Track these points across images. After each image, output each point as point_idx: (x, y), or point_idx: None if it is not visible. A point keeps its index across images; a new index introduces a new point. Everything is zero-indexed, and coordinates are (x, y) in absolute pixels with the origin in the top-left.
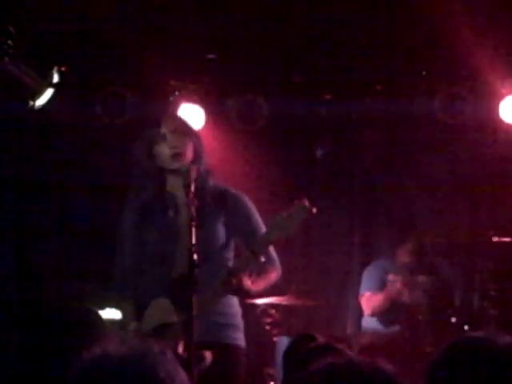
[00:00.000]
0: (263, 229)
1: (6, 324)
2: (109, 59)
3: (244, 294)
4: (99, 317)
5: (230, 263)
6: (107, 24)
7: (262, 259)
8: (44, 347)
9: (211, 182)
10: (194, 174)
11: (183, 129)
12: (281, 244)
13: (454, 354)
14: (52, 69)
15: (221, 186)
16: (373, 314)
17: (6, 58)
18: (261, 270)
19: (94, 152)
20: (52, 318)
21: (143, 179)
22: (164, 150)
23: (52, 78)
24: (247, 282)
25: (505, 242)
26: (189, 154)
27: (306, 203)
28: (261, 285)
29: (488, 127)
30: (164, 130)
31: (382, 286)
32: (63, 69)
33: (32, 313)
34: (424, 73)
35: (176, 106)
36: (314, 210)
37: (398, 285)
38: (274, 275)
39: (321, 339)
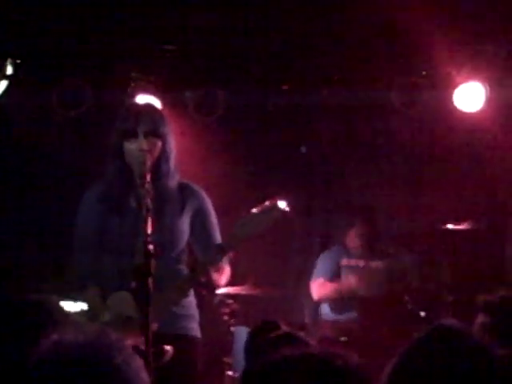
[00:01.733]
0: (217, 230)
1: None
2: (65, 50)
3: (210, 289)
4: (57, 305)
5: (185, 257)
6: (64, 15)
7: (231, 255)
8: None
9: (177, 178)
10: (149, 164)
11: (157, 131)
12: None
13: (429, 346)
14: (6, 60)
15: (183, 181)
16: (319, 301)
17: None
18: (219, 265)
19: (51, 144)
20: (7, 307)
21: (111, 170)
22: (133, 149)
23: (6, 69)
24: (214, 277)
25: (460, 229)
26: (155, 153)
27: (279, 202)
28: (223, 279)
29: (443, 115)
30: (139, 129)
31: (335, 272)
32: (18, 61)
33: None
34: (424, 75)
35: (133, 97)
36: (287, 209)
37: (353, 280)
38: (228, 271)
39: (284, 327)
